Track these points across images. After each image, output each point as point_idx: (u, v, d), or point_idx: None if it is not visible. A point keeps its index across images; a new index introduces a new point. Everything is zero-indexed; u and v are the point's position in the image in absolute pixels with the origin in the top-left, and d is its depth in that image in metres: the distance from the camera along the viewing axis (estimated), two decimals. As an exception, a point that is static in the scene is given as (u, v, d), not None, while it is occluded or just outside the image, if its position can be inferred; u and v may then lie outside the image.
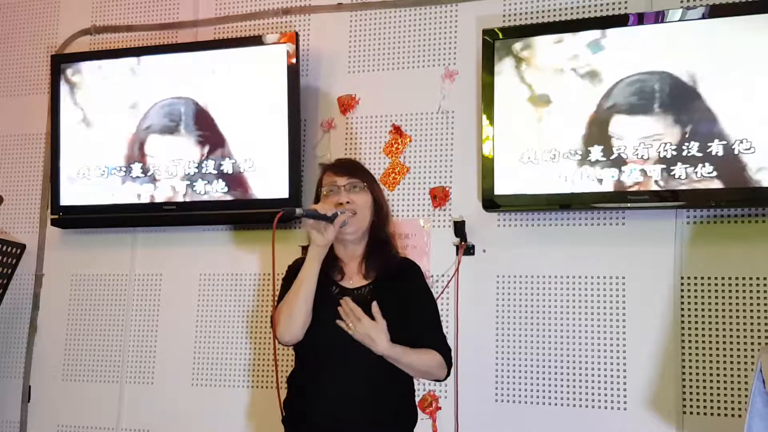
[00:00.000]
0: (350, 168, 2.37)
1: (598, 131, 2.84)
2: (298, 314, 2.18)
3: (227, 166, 3.29)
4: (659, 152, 2.76)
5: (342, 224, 2.20)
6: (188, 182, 3.34)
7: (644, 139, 2.77)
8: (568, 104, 2.89)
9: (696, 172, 2.71)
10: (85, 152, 3.50)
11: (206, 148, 3.32)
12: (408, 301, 2.26)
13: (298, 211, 2.16)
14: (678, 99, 2.75)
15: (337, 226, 2.19)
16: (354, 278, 2.30)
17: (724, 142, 2.69)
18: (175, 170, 3.36)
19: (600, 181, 2.83)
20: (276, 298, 2.31)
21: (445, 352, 2.27)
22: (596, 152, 2.84)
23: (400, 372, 2.23)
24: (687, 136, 2.72)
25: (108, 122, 3.48)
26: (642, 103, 2.79)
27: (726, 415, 2.73)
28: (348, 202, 2.26)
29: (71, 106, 3.53)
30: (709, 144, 2.70)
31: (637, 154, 2.78)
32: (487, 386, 2.98)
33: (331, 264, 2.27)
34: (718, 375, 2.75)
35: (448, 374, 2.30)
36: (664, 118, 2.76)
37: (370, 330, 2.14)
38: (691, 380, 2.78)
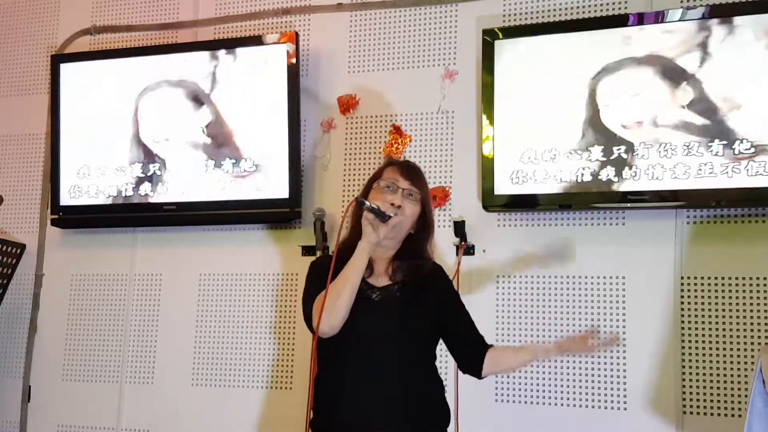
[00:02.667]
0: (414, 174, 2.33)
1: (592, 123, 2.84)
2: (342, 306, 2.15)
3: (227, 166, 3.29)
4: (659, 152, 2.76)
5: (392, 226, 2.18)
6: (188, 182, 3.34)
7: (633, 97, 2.76)
8: (568, 104, 2.89)
9: (696, 172, 2.71)
10: (85, 152, 3.50)
11: (224, 124, 3.32)
12: (447, 305, 2.30)
13: (367, 203, 2.13)
14: (672, 74, 2.76)
15: (390, 227, 2.17)
16: (381, 277, 2.27)
17: (724, 142, 2.69)
18: (175, 170, 3.36)
19: (600, 181, 2.83)
20: (305, 295, 2.27)
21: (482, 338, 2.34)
22: (596, 152, 2.84)
23: (428, 371, 2.25)
24: (677, 94, 2.73)
25: (108, 122, 3.47)
26: (631, 66, 2.79)
27: (726, 415, 2.73)
28: (399, 206, 2.24)
29: (71, 106, 3.53)
30: (709, 144, 2.71)
31: (638, 154, 2.79)
32: (487, 386, 2.98)
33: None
34: (718, 375, 2.75)
35: None
36: (652, 71, 2.76)
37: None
38: (691, 380, 2.78)
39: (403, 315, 2.21)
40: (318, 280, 2.22)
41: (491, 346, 2.28)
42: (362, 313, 2.18)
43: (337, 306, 2.15)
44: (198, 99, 3.35)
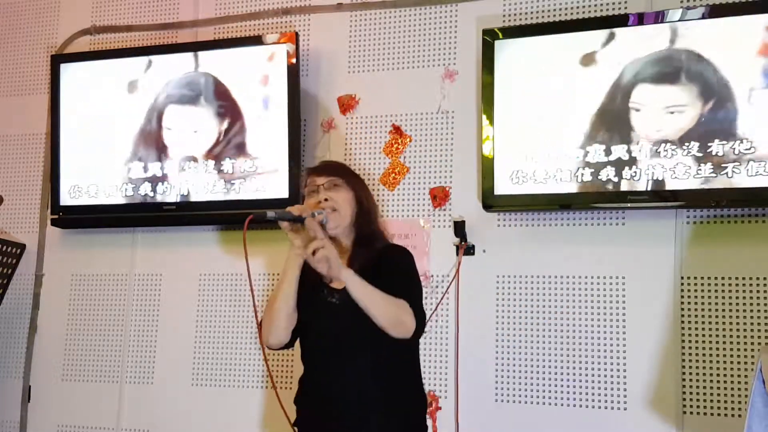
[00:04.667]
0: (329, 167, 2.39)
1: (606, 123, 2.84)
2: (279, 320, 2.20)
3: (227, 166, 3.28)
4: (659, 152, 2.76)
5: (323, 222, 2.18)
6: (188, 182, 3.34)
7: (667, 108, 2.75)
8: (568, 104, 2.89)
9: (697, 172, 2.71)
10: (85, 152, 3.50)
11: (224, 124, 3.31)
12: (383, 268, 2.19)
13: (270, 214, 2.11)
14: (699, 74, 2.73)
15: (317, 224, 2.15)
16: None
17: (724, 143, 2.69)
18: (175, 170, 3.36)
19: (600, 180, 2.83)
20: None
21: (413, 304, 2.13)
22: (596, 152, 2.84)
23: (398, 363, 2.23)
24: (707, 112, 2.71)
25: (108, 122, 3.47)
26: (668, 71, 2.76)
27: (726, 415, 2.72)
28: (326, 200, 2.25)
29: (71, 106, 3.53)
30: (709, 144, 2.70)
31: (638, 153, 2.78)
32: (487, 386, 2.98)
33: None
34: (718, 375, 2.75)
35: (418, 331, 2.13)
36: (690, 89, 2.73)
37: (330, 252, 2.03)
38: (691, 380, 2.78)
39: (362, 314, 2.09)
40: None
41: (409, 306, 2.13)
42: (324, 318, 2.21)
43: (272, 319, 2.21)
44: (198, 99, 3.35)
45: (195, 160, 3.33)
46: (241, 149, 3.27)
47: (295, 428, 2.28)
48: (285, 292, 2.20)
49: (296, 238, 2.17)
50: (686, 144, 2.72)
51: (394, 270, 2.22)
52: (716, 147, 2.69)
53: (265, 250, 3.32)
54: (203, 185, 3.31)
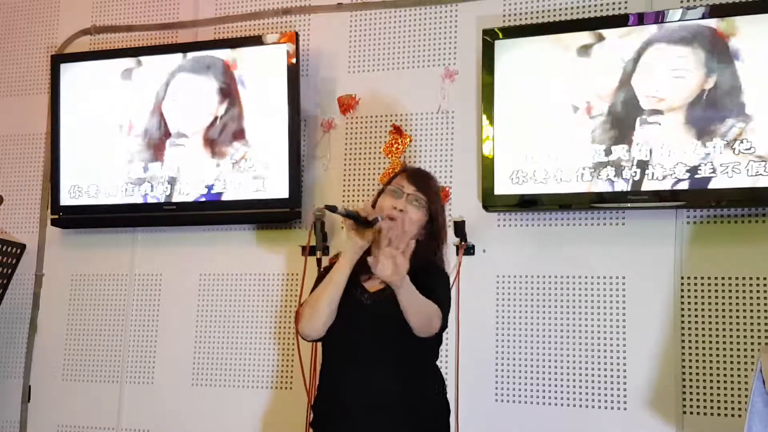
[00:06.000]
0: (422, 180, 2.34)
1: (606, 123, 2.85)
2: (322, 312, 2.17)
3: (227, 166, 3.28)
4: (660, 152, 2.76)
5: (379, 230, 2.14)
6: (188, 182, 3.34)
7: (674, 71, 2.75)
8: (568, 104, 2.89)
9: (696, 172, 2.72)
10: (85, 152, 3.50)
11: (224, 105, 3.31)
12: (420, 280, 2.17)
13: (340, 208, 2.10)
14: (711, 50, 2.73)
15: (376, 230, 2.13)
16: (378, 281, 2.22)
17: (724, 142, 2.69)
18: (175, 170, 3.36)
19: (600, 180, 2.83)
20: (308, 294, 2.29)
21: (444, 310, 2.19)
22: (597, 152, 2.84)
23: (424, 370, 2.24)
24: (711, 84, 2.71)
25: (108, 122, 3.47)
26: (680, 35, 2.76)
27: (726, 415, 2.72)
28: (401, 210, 2.24)
29: (71, 106, 3.53)
30: (709, 144, 2.71)
31: (638, 153, 2.78)
32: (487, 386, 2.98)
33: (364, 265, 2.14)
34: (718, 375, 2.75)
35: (441, 329, 2.19)
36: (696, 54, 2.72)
37: (402, 258, 2.00)
38: (691, 380, 2.78)
39: (394, 319, 2.11)
40: (316, 285, 2.25)
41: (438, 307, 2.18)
42: (353, 317, 2.20)
43: (316, 310, 2.18)
44: (207, 71, 3.34)
45: (195, 160, 3.32)
46: (241, 149, 3.27)
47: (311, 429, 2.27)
48: (333, 290, 2.16)
49: (357, 237, 2.14)
50: (686, 144, 2.72)
51: (438, 281, 2.25)
52: (717, 147, 2.69)
53: (264, 250, 3.33)
54: (203, 185, 3.31)
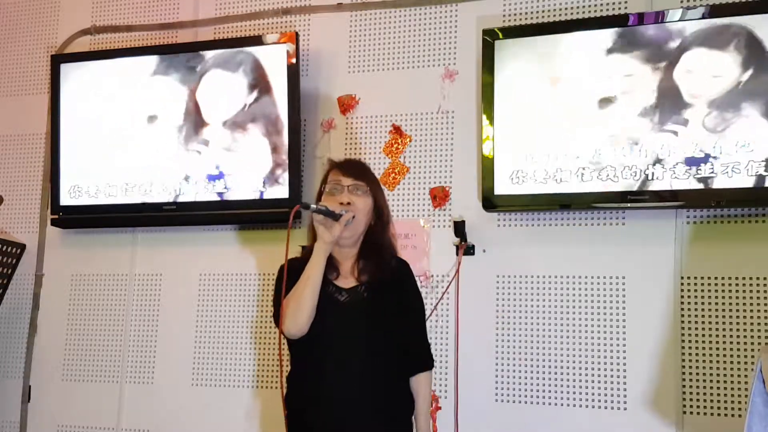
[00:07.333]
0: (357, 170, 2.39)
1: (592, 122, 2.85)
2: (305, 307, 2.20)
3: (227, 166, 3.28)
4: (659, 152, 2.76)
5: (347, 223, 2.23)
6: (188, 182, 3.34)
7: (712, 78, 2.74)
8: (567, 104, 2.89)
9: (697, 172, 2.71)
10: (85, 152, 3.50)
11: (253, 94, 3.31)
12: (403, 312, 2.32)
13: (312, 206, 2.19)
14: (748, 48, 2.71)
15: (343, 224, 2.21)
16: (348, 278, 2.32)
17: (724, 141, 2.69)
18: (175, 170, 3.36)
19: (600, 180, 2.83)
20: (275, 298, 2.31)
21: (428, 358, 2.38)
22: (597, 152, 2.84)
23: (395, 369, 2.28)
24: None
25: (108, 122, 3.47)
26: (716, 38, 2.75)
27: (726, 415, 2.72)
28: (348, 203, 2.28)
29: (71, 106, 3.53)
30: (708, 144, 2.71)
31: (638, 153, 2.78)
32: (487, 386, 2.98)
33: (328, 263, 2.27)
34: (718, 375, 2.75)
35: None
36: (734, 57, 2.71)
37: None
38: (691, 380, 2.78)
39: (371, 316, 2.25)
40: (287, 282, 2.26)
41: (428, 369, 2.36)
42: (330, 315, 2.23)
43: (299, 308, 2.20)
44: (197, 99, 3.36)
45: (195, 160, 3.32)
46: (240, 149, 3.27)
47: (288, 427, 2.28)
48: (314, 283, 2.20)
49: (326, 233, 2.20)
50: (685, 144, 2.72)
51: (413, 318, 2.38)
52: (716, 146, 2.69)
53: (264, 250, 3.33)
54: (203, 185, 3.31)
